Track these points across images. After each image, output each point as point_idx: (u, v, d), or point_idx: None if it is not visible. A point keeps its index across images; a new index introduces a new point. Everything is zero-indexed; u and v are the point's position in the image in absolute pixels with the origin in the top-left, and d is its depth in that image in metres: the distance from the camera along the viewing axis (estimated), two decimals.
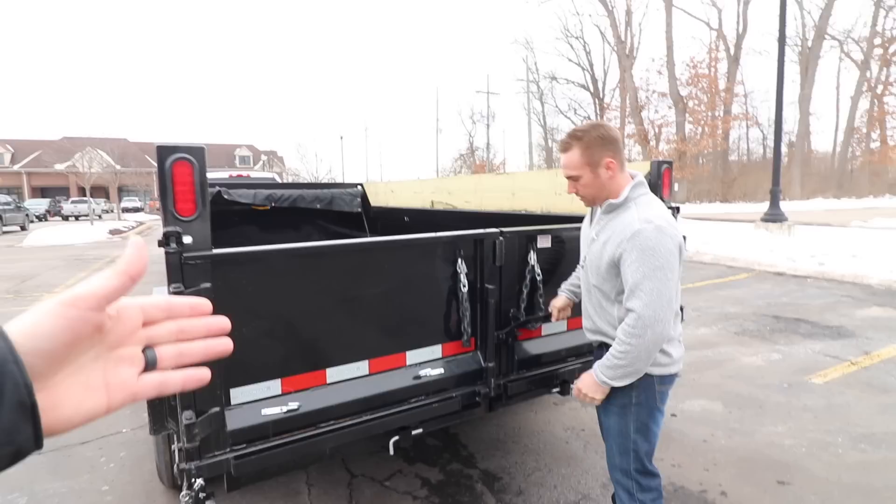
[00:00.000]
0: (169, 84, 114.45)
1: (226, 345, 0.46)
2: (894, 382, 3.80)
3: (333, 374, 1.80)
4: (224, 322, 0.46)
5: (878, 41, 30.70)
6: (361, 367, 1.86)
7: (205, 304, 0.45)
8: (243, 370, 1.63)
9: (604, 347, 1.77)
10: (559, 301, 2.10)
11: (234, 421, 1.59)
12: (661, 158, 2.69)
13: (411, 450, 2.96)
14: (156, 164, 1.45)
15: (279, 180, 10.73)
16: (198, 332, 0.45)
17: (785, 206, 11.66)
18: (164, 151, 1.41)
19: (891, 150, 33.80)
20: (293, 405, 1.68)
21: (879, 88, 32.52)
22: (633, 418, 1.67)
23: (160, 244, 1.41)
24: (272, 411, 1.65)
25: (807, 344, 4.69)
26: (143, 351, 0.42)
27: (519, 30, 72.60)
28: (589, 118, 35.74)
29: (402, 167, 72.76)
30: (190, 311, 0.44)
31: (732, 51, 30.40)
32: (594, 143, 1.62)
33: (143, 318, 0.42)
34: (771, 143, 11.44)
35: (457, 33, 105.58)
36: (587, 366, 2.49)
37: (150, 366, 0.42)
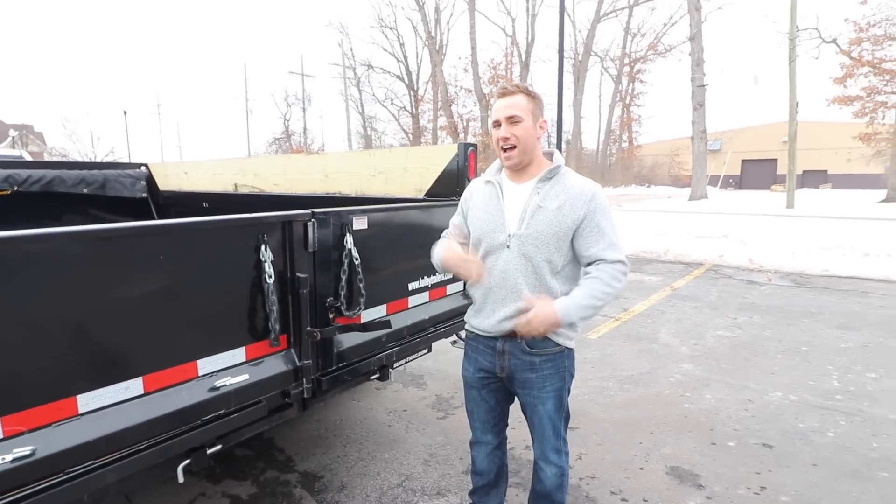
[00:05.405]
0: None
1: None
2: (644, 332, 4.78)
3: (88, 400, 1.39)
4: None
5: (627, 60, 38.42)
6: (133, 387, 1.49)
7: None
8: None
9: (509, 338, 1.69)
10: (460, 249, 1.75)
11: None
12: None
13: (217, 466, 2.59)
14: None
15: (28, 159, 8.52)
16: None
17: None
18: None
19: (635, 149, 43.04)
20: (24, 451, 1.25)
21: (628, 99, 40.91)
22: (566, 394, 1.76)
23: None
24: None
25: None
26: None
27: (334, 13, 69.90)
28: (406, 109, 36.77)
29: (209, 150, 64.60)
30: None
31: (524, 57, 34.52)
32: (538, 100, 1.65)
33: None
34: (555, 140, 13.38)
35: (266, 7, 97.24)
36: (409, 347, 2.48)
37: None
